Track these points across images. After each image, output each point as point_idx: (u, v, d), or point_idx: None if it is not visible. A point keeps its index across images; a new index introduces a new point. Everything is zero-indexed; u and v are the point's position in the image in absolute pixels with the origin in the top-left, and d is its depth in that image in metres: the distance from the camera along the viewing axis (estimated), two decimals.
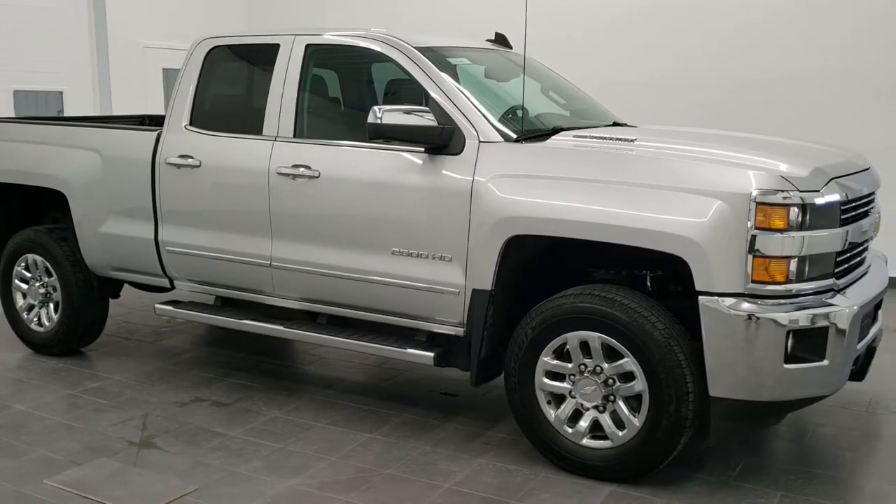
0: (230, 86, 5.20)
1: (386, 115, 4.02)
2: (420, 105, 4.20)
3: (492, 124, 4.15)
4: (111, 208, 5.28)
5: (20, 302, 5.87)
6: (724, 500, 3.71)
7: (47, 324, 5.75)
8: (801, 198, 3.49)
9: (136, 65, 10.05)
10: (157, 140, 5.08)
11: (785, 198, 3.48)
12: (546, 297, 3.98)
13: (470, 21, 9.01)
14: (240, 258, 4.79)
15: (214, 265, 4.91)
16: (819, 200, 3.54)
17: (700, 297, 3.53)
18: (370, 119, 4.04)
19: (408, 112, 4.04)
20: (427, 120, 4.07)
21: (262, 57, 4.91)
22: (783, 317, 3.46)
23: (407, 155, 4.24)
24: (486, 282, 4.02)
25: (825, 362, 3.54)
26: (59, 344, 5.71)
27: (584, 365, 3.85)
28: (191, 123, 4.99)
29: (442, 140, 4.10)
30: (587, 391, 3.85)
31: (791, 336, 3.48)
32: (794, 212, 3.48)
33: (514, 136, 4.14)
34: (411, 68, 4.35)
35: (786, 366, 3.49)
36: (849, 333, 3.56)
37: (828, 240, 3.58)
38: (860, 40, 7.63)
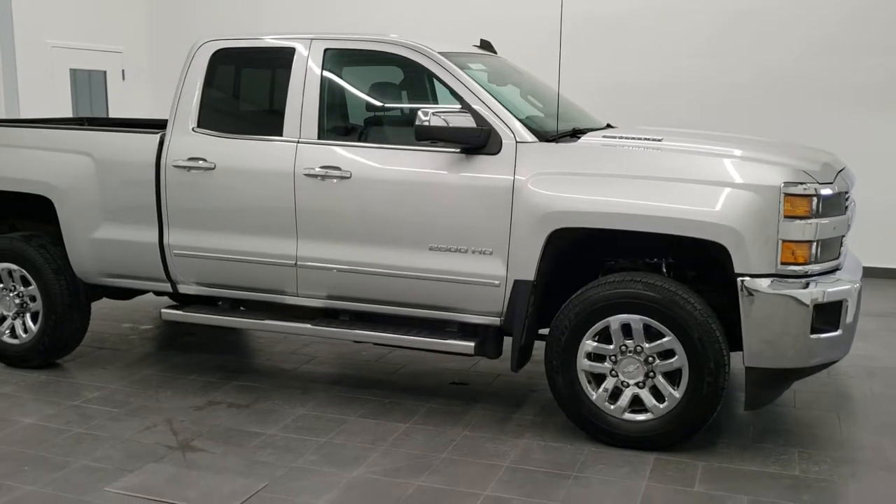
0: (239, 88, 5.20)
1: (433, 117, 4.23)
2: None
3: (526, 125, 4.43)
4: (106, 213, 5.17)
5: None
6: (753, 459, 4.17)
7: (24, 335, 5.52)
8: (818, 189, 4.00)
9: (43, 65, 9.59)
10: (161, 143, 5.02)
11: (806, 189, 3.97)
12: (564, 286, 4.34)
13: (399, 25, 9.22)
14: (260, 259, 4.83)
15: (230, 267, 4.92)
16: (831, 191, 4.06)
17: (739, 279, 3.97)
18: (418, 121, 4.24)
19: (450, 115, 4.26)
20: (468, 122, 4.31)
21: (274, 60, 4.97)
22: (809, 294, 3.95)
23: (443, 155, 4.45)
24: (528, 273, 4.31)
25: (840, 332, 4.06)
26: (40, 355, 5.51)
27: (625, 346, 4.21)
28: (199, 126, 4.97)
29: (480, 141, 4.35)
30: (630, 369, 4.21)
31: (815, 310, 3.97)
32: (814, 201, 3.98)
33: (547, 136, 4.44)
34: (440, 73, 4.57)
35: (811, 336, 3.98)
36: (856, 306, 4.11)
37: (837, 225, 4.11)
38: (839, 47, 8.31)
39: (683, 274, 4.50)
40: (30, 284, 5.45)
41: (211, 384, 5.31)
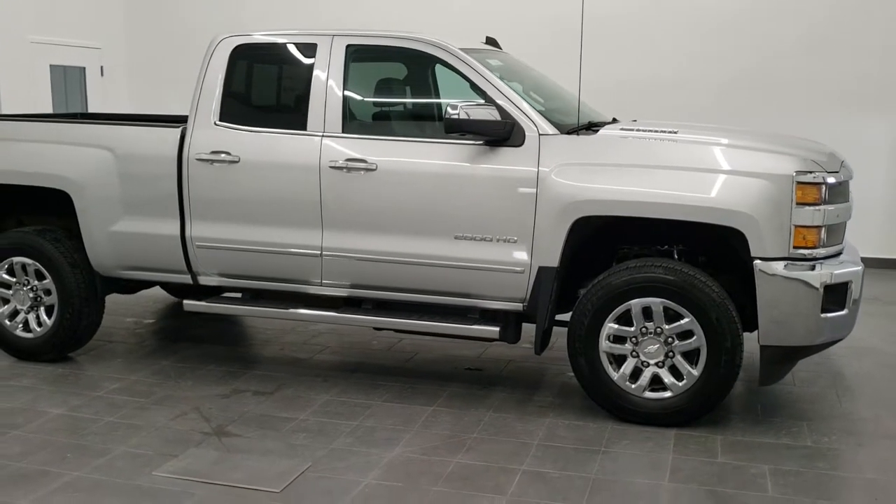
0: (261, 83, 5.31)
1: (462, 110, 4.41)
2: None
3: (547, 119, 4.63)
4: (125, 206, 5.23)
5: (0, 309, 5.61)
6: (766, 432, 4.43)
7: (38, 329, 5.55)
8: (825, 177, 4.27)
9: (23, 61, 9.51)
10: (182, 136, 5.10)
11: (815, 177, 4.24)
12: (576, 273, 4.60)
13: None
14: (285, 250, 4.95)
15: (254, 258, 5.03)
16: (836, 180, 4.34)
17: (755, 262, 4.22)
18: (449, 114, 4.41)
19: (473, 108, 4.45)
20: (494, 115, 4.49)
21: (295, 55, 5.07)
22: (819, 276, 4.22)
23: (467, 147, 4.63)
24: (552, 260, 4.51)
25: (845, 311, 4.35)
26: (55, 349, 5.54)
27: (645, 328, 4.44)
28: (221, 119, 5.07)
29: (505, 133, 4.53)
30: (651, 350, 4.44)
31: (824, 291, 4.24)
32: (823, 189, 4.25)
33: (567, 129, 4.65)
34: (464, 69, 4.74)
35: (822, 315, 4.25)
36: (860, 288, 4.40)
37: (842, 211, 4.39)
38: (818, 47, 8.66)
39: (694, 259, 4.74)
40: (44, 278, 5.48)
41: (230, 374, 5.41)
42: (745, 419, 4.62)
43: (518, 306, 4.71)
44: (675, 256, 4.76)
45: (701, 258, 4.74)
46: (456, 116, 4.42)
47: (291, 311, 5.08)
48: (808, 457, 4.15)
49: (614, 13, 9.05)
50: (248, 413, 4.73)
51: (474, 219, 4.63)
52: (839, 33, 8.64)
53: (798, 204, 4.21)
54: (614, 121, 5.51)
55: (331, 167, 4.81)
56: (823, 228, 4.28)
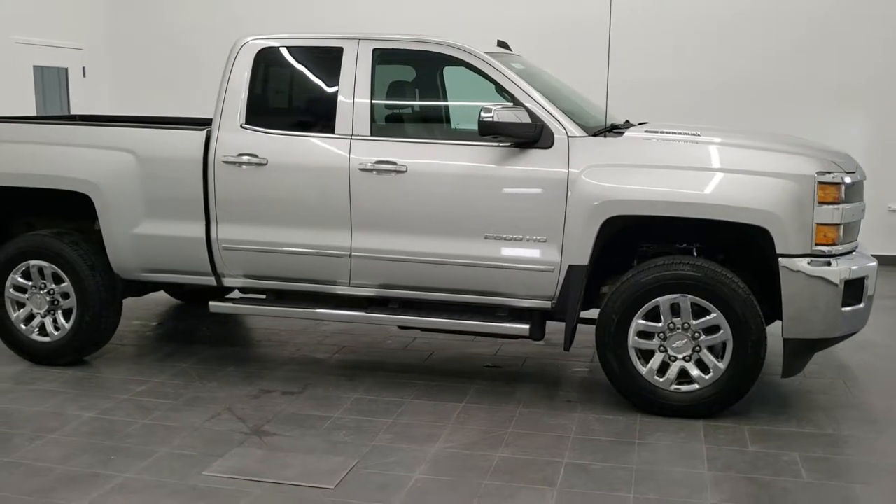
0: (287, 86, 5.36)
1: (496, 113, 4.53)
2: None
3: (574, 121, 4.77)
4: (148, 209, 5.24)
5: (15, 313, 5.57)
6: (788, 422, 4.63)
7: (55, 333, 5.52)
8: (844, 177, 4.48)
9: (5, 61, 9.36)
10: (207, 139, 5.13)
11: (835, 178, 4.44)
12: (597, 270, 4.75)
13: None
14: (314, 251, 5.01)
15: (281, 259, 5.08)
16: (853, 179, 4.55)
17: (780, 259, 4.41)
18: (483, 117, 4.52)
19: (511, 111, 4.57)
20: (525, 118, 4.61)
21: (321, 59, 5.14)
22: (839, 271, 4.42)
23: (496, 149, 4.74)
24: (583, 258, 4.65)
25: (862, 305, 4.56)
26: (74, 352, 5.52)
27: (673, 323, 4.60)
28: (247, 122, 5.11)
29: (535, 135, 4.66)
30: (679, 345, 4.60)
31: (844, 286, 4.44)
32: (842, 188, 4.46)
33: (594, 131, 4.79)
34: (491, 72, 4.85)
35: (842, 309, 4.45)
36: (874, 282, 4.62)
37: (859, 210, 4.61)
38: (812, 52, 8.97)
39: (712, 257, 4.91)
40: (62, 282, 5.46)
41: (252, 374, 5.45)
42: (766, 410, 4.81)
43: (546, 304, 4.84)
44: (694, 254, 4.94)
45: (719, 256, 4.91)
46: (490, 119, 4.53)
47: (320, 311, 5.13)
48: (832, 444, 4.35)
49: (602, 17, 9.22)
50: (281, 412, 4.78)
51: (504, 219, 4.75)
52: (826, 37, 8.95)
53: (819, 203, 4.41)
54: (627, 123, 5.67)
55: (360, 169, 4.88)
56: (842, 226, 4.49)
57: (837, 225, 4.46)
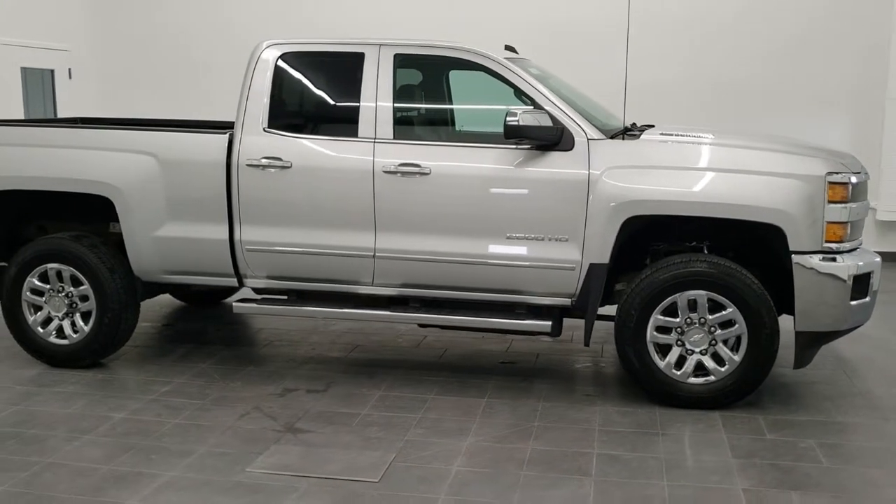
0: (309, 90, 5.44)
1: (521, 116, 4.68)
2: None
3: (593, 124, 4.94)
4: (170, 212, 5.30)
5: (32, 316, 5.59)
6: (798, 411, 4.86)
7: (74, 335, 5.55)
8: (850, 177, 4.71)
9: None
10: (230, 142, 5.21)
11: (843, 177, 4.67)
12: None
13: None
14: (338, 252, 5.12)
15: (305, 260, 5.17)
16: (859, 179, 4.78)
17: (793, 256, 4.63)
18: (509, 120, 4.68)
19: (535, 114, 4.73)
20: (547, 121, 4.78)
21: (342, 63, 5.24)
22: (847, 267, 4.65)
23: (517, 151, 4.90)
24: (604, 257, 4.82)
25: (868, 298, 4.80)
26: (92, 354, 5.56)
27: (690, 318, 4.79)
28: (270, 126, 5.19)
29: (557, 138, 4.82)
30: (696, 339, 4.80)
31: (852, 281, 4.68)
32: (849, 188, 4.69)
33: (612, 134, 4.97)
34: (511, 77, 5.00)
35: (850, 303, 4.69)
36: (878, 277, 4.86)
37: (863, 208, 4.84)
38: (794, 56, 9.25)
39: (723, 255, 5.12)
40: (81, 284, 5.49)
41: (273, 374, 5.53)
42: (776, 401, 5.03)
43: (566, 301, 5.00)
44: (704, 252, 5.14)
45: (729, 253, 5.12)
46: (516, 123, 4.68)
47: (345, 310, 5.24)
48: (843, 431, 4.58)
49: (599, 21, 9.46)
50: (310, 410, 4.89)
51: (526, 219, 4.91)
52: (808, 41, 9.25)
53: (829, 202, 4.64)
54: (634, 125, 5.87)
55: (384, 172, 5.00)
56: (849, 224, 4.72)
57: (845, 223, 4.69)
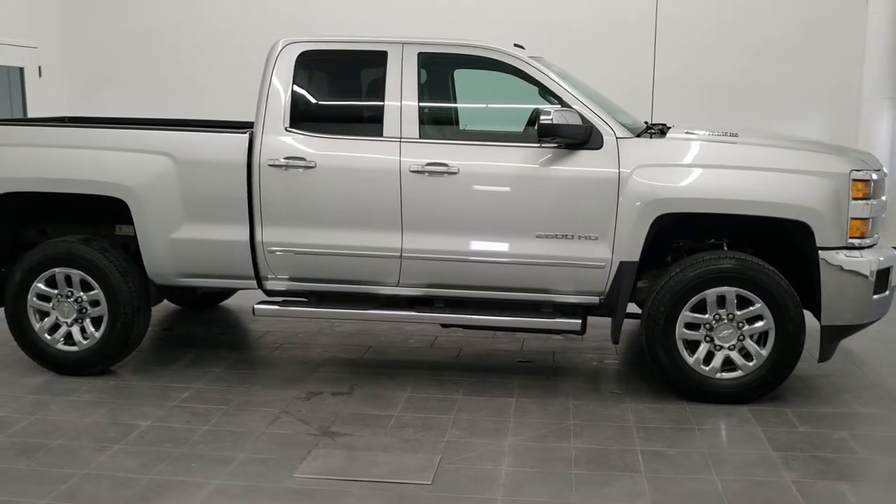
0: (330, 89, 5.36)
1: (555, 115, 4.69)
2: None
3: (620, 123, 4.97)
4: (187, 213, 5.17)
5: (39, 323, 5.40)
6: (822, 403, 4.97)
7: (84, 342, 5.38)
8: (871, 175, 4.83)
9: None
10: (250, 142, 5.11)
11: (865, 174, 4.79)
12: None
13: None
14: (363, 252, 5.05)
15: (330, 261, 5.10)
16: (879, 176, 4.91)
17: (820, 251, 4.72)
18: (543, 119, 4.68)
19: (567, 113, 4.74)
20: (577, 120, 4.79)
21: (364, 62, 5.19)
22: (870, 262, 4.77)
23: (545, 150, 4.90)
24: (634, 254, 4.86)
25: (888, 292, 4.93)
26: (104, 360, 5.40)
27: (718, 315, 4.86)
28: (291, 126, 5.11)
29: (586, 136, 4.84)
30: (725, 334, 4.87)
31: (874, 275, 4.80)
32: (871, 185, 4.81)
33: (638, 132, 5.01)
34: (537, 76, 5.01)
35: (874, 296, 4.81)
36: None
37: (882, 205, 4.97)
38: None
39: (743, 251, 5.20)
40: (91, 289, 5.32)
41: (291, 377, 5.44)
42: (798, 394, 5.13)
43: (594, 300, 5.03)
44: (724, 248, 5.21)
45: (749, 250, 5.20)
46: (550, 122, 4.69)
47: (370, 311, 5.18)
48: (872, 422, 4.70)
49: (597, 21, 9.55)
50: (340, 413, 4.82)
51: (556, 218, 4.91)
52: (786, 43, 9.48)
53: (853, 198, 4.75)
54: (646, 123, 5.92)
55: (411, 171, 4.96)
56: (870, 220, 4.84)
57: (867, 219, 4.81)
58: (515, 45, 6.07)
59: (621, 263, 4.88)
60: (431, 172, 4.95)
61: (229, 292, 7.05)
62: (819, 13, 9.57)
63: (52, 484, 3.91)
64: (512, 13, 9.64)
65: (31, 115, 9.87)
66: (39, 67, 10.14)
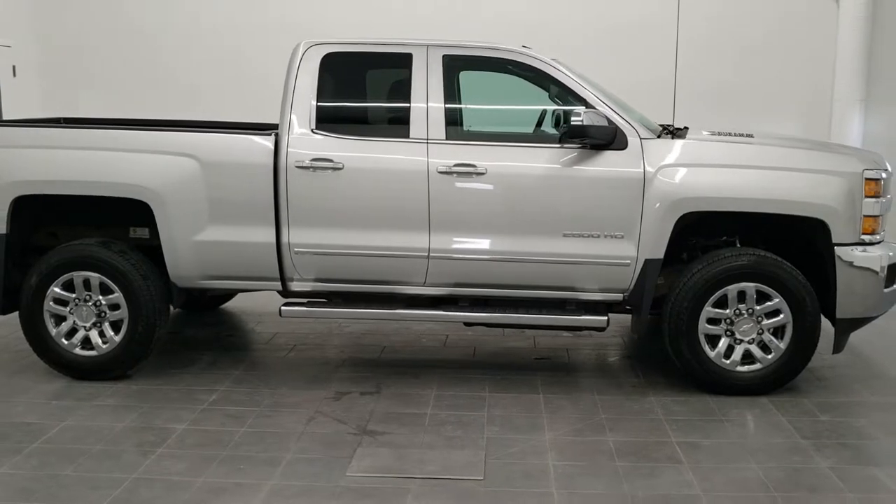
0: (356, 91, 5.38)
1: (585, 116, 4.81)
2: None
3: (643, 124, 5.11)
4: (212, 215, 5.15)
5: (55, 327, 5.32)
6: (837, 393, 5.18)
7: (103, 346, 5.32)
8: (881, 173, 5.06)
9: None
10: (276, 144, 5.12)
11: (877, 173, 5.01)
12: None
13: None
14: (391, 253, 5.10)
15: (357, 262, 5.13)
16: (888, 175, 5.14)
17: (836, 247, 4.93)
18: (574, 121, 4.79)
19: (595, 115, 4.86)
20: (604, 121, 4.92)
21: (388, 64, 5.24)
22: (881, 257, 5.00)
23: (571, 151, 5.02)
24: (658, 252, 5.00)
25: (895, 286, 5.17)
26: (124, 364, 5.34)
27: (738, 310, 5.03)
28: (317, 127, 5.13)
29: (612, 137, 4.97)
30: (745, 329, 5.04)
31: (885, 270, 5.02)
32: (882, 183, 5.03)
33: (658, 133, 5.16)
34: (562, 78, 5.12)
35: (885, 289, 5.03)
36: None
37: (890, 203, 5.20)
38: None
39: (755, 247, 5.39)
40: (111, 293, 5.26)
41: (315, 377, 5.46)
42: (811, 385, 5.33)
43: (618, 297, 5.16)
44: (737, 245, 5.40)
45: (761, 246, 5.40)
46: (581, 123, 4.80)
47: (398, 311, 5.23)
48: (887, 410, 4.92)
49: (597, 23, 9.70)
50: (374, 412, 4.86)
51: (582, 217, 5.03)
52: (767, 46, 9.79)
53: (867, 197, 4.96)
54: (662, 126, 6.08)
55: (439, 172, 5.02)
56: (881, 217, 5.06)
57: (878, 216, 5.04)
58: (523, 47, 6.20)
59: (646, 261, 5.02)
60: (459, 173, 5.02)
61: (232, 294, 7.01)
62: (791, 16, 9.90)
63: (106, 489, 3.88)
64: (508, 13, 9.77)
65: (6, 115, 9.64)
66: (14, 67, 9.90)
